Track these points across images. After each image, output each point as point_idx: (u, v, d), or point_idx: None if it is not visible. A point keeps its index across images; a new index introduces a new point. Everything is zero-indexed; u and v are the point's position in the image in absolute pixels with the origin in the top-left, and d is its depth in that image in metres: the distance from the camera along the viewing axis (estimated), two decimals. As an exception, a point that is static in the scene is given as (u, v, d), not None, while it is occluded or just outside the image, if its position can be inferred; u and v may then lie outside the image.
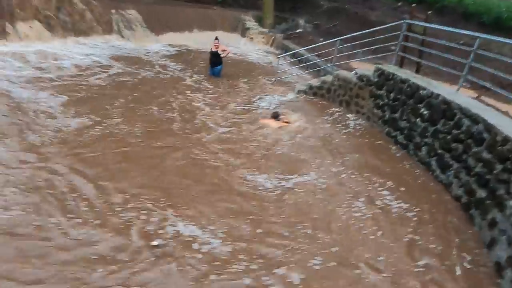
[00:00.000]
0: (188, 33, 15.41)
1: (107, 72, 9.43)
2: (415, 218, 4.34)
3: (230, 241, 3.66)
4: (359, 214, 4.36)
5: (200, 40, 14.46)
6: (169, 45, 13.89)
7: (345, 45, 9.34)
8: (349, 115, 7.77)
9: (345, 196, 4.75)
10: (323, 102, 8.62)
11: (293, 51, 12.39)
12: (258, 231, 3.89)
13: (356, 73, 7.83)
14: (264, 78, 10.77)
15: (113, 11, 13.35)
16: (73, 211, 3.80)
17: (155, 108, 7.29)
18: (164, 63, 11.30)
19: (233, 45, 14.82)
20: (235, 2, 20.27)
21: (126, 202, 4.09)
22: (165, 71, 10.36)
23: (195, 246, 3.51)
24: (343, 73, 8.44)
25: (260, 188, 4.78)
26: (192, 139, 6.10)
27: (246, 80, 10.35)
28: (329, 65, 9.64)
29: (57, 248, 3.25)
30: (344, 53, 9.53)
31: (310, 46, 11.11)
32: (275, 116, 7.31)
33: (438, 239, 3.99)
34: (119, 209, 3.94)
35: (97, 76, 8.95)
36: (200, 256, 3.39)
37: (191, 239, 3.61)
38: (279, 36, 16.43)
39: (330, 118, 7.69)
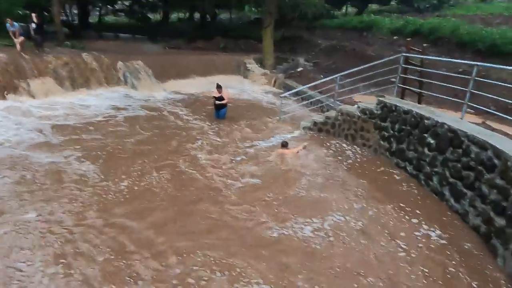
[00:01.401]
0: (192, 79, 15.95)
1: (116, 120, 9.74)
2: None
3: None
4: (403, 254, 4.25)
5: (204, 85, 14.95)
6: (175, 92, 14.33)
7: (346, 80, 9.56)
8: (356, 149, 7.78)
9: (383, 238, 4.59)
10: (328, 137, 8.67)
11: (295, 90, 12.68)
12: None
13: (358, 107, 7.94)
14: (269, 118, 10.95)
15: (120, 63, 14.00)
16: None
17: (169, 158, 7.36)
18: (170, 109, 11.60)
19: (236, 87, 15.27)
20: (236, 47, 21.19)
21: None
22: (172, 118, 10.60)
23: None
24: (346, 107, 8.56)
25: (295, 238, 4.56)
26: (208, 188, 5.92)
27: (251, 120, 10.52)
28: (331, 100, 9.81)
29: None
30: (346, 88, 9.73)
31: (312, 84, 11.36)
32: (284, 145, 7.48)
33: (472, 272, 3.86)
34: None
35: (108, 124, 9.24)
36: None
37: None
38: (281, 76, 16.93)
39: (337, 153, 7.69)
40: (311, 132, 9.14)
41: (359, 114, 7.81)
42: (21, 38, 12.14)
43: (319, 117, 9.36)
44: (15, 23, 12.20)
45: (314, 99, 12.02)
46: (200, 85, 15.15)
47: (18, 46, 12.02)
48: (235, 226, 4.81)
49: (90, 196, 5.40)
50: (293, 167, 6.85)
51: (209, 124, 9.92)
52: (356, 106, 8.20)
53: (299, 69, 17.79)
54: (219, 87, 10.25)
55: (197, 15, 27.31)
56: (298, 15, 21.92)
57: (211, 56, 18.13)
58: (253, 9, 28.97)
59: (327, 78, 10.74)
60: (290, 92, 12.29)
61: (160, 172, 6.41)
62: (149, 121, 9.97)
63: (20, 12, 14.05)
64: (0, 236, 4.29)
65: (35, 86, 11.19)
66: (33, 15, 12.72)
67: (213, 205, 5.33)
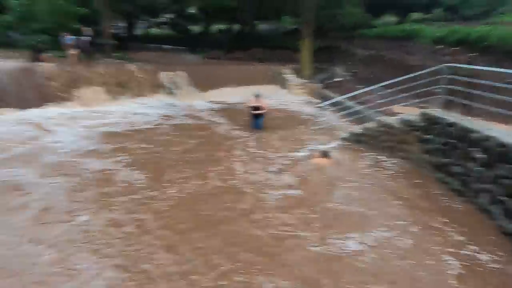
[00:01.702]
0: (229, 89, 16.29)
1: (159, 128, 10.21)
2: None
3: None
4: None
5: (241, 95, 15.24)
6: (213, 101, 14.72)
7: (386, 90, 9.35)
8: (396, 162, 7.54)
9: (429, 256, 4.38)
10: (367, 149, 8.49)
11: (333, 100, 12.56)
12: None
13: (399, 118, 7.72)
14: (306, 128, 10.93)
15: (163, 73, 14.67)
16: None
17: (209, 167, 7.53)
18: (209, 118, 11.94)
19: (272, 97, 15.39)
20: (273, 57, 21.41)
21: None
22: (211, 127, 10.88)
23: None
24: (386, 119, 8.35)
25: (337, 254, 4.43)
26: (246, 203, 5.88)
27: (288, 130, 10.57)
28: (370, 111, 9.61)
29: None
30: (385, 99, 9.51)
31: (350, 94, 11.22)
32: (324, 155, 7.44)
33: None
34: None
35: (152, 132, 9.71)
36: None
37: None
38: (318, 86, 16.86)
39: (376, 166, 7.50)
40: (349, 143, 8.99)
41: (400, 126, 7.58)
42: (75, 50, 13.13)
43: (357, 128, 9.20)
44: (70, 36, 13.23)
45: (352, 110, 11.82)
46: (237, 95, 15.43)
47: (71, 58, 13.00)
48: (274, 239, 4.77)
49: (137, 203, 5.62)
50: (331, 179, 6.78)
51: (247, 133, 10.07)
52: (396, 117, 7.98)
53: (336, 79, 17.62)
54: (257, 96, 10.38)
55: (236, 26, 27.98)
56: (336, 25, 21.77)
57: (248, 66, 18.46)
58: (290, 20, 29.21)
59: (366, 89, 10.57)
60: (328, 102, 12.20)
61: (202, 181, 6.56)
62: (189, 129, 10.35)
63: (74, 26, 15.14)
64: (53, 237, 4.61)
65: (86, 94, 12.04)
66: (86, 29, 13.70)
67: (252, 216, 5.35)
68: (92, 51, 13.92)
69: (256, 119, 10.57)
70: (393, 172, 7.12)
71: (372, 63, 18.50)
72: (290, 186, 6.44)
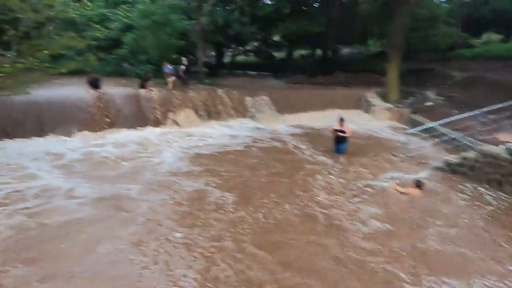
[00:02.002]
0: (312, 113, 16.30)
1: (246, 151, 10.70)
2: None
3: None
4: None
5: (322, 119, 15.16)
6: (295, 125, 14.83)
7: (488, 116, 8.38)
8: (501, 196, 6.63)
9: None
10: (464, 181, 7.64)
11: (424, 126, 11.65)
12: None
13: (507, 148, 6.83)
14: (392, 155, 10.32)
15: (248, 97, 15.43)
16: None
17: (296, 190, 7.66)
18: (291, 142, 12.00)
19: (356, 121, 14.95)
20: (356, 81, 20.92)
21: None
22: (293, 151, 10.92)
23: None
24: (490, 148, 7.45)
25: None
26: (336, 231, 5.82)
27: (372, 157, 10.10)
28: (469, 139, 8.67)
29: None
30: (488, 126, 8.51)
31: (445, 120, 10.30)
32: (417, 185, 6.98)
33: None
34: None
35: (240, 153, 10.26)
36: None
37: None
38: (406, 111, 15.85)
39: (475, 199, 6.71)
40: (443, 173, 8.22)
41: (508, 157, 6.69)
42: (173, 78, 14.71)
43: (453, 158, 8.37)
44: (169, 65, 14.91)
45: (447, 137, 10.80)
46: (318, 119, 15.40)
47: (170, 85, 14.55)
48: (365, 277, 4.56)
49: (227, 224, 5.90)
50: (422, 212, 6.27)
51: (329, 159, 9.87)
52: (503, 147, 7.07)
53: (428, 104, 16.36)
54: (340, 120, 10.22)
55: (318, 51, 28.21)
56: (428, 47, 20.44)
57: (330, 90, 18.33)
58: (375, 43, 28.38)
59: (464, 114, 9.63)
60: (418, 128, 11.38)
61: (286, 208, 6.60)
62: (273, 152, 10.55)
63: (173, 56, 17.00)
64: (152, 250, 5.09)
65: (180, 117, 13.26)
66: (184, 59, 15.28)
67: (338, 249, 5.21)
68: (187, 78, 15.42)
69: (339, 144, 10.35)
70: (497, 208, 6.27)
71: (470, 85, 16.82)
72: (376, 218, 6.10)
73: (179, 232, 5.57)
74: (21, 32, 9.13)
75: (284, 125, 14.75)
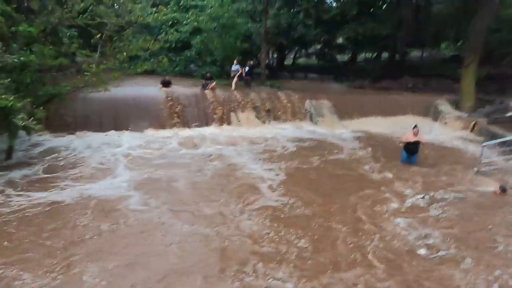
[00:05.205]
0: (374, 119, 15.62)
1: (305, 156, 10.65)
2: None
3: None
4: None
5: (385, 126, 14.51)
6: (355, 130, 14.31)
7: None
8: None
9: None
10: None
11: (504, 139, 10.51)
12: None
13: None
14: (465, 168, 9.51)
15: (308, 101, 15.31)
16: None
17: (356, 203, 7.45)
18: (351, 148, 11.58)
19: (424, 130, 14.00)
20: (426, 87, 19.61)
21: None
22: (354, 158, 10.53)
23: None
24: None
25: None
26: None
27: (442, 169, 9.42)
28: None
29: None
30: None
31: (530, 133, 9.22)
32: (503, 190, 6.92)
33: None
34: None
35: (297, 155, 10.26)
36: None
37: None
38: (483, 121, 14.45)
39: None
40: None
41: None
42: (236, 79, 15.20)
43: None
44: (237, 65, 15.55)
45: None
46: (380, 125, 14.79)
47: (233, 85, 15.04)
48: None
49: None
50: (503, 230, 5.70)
51: (396, 169, 9.40)
52: None
53: (509, 114, 14.75)
54: (414, 128, 9.64)
55: (385, 54, 26.92)
56: (513, 50, 18.41)
57: (395, 96, 17.41)
58: (451, 46, 26.30)
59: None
60: (496, 141, 10.32)
61: (353, 226, 6.32)
62: (332, 158, 10.32)
63: (237, 58, 17.56)
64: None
65: (241, 117, 13.65)
66: (250, 62, 15.83)
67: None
68: (249, 79, 15.79)
69: (410, 154, 9.78)
70: None
71: None
72: (453, 239, 5.70)
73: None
74: (106, 35, 10.15)
75: (345, 130, 14.33)
